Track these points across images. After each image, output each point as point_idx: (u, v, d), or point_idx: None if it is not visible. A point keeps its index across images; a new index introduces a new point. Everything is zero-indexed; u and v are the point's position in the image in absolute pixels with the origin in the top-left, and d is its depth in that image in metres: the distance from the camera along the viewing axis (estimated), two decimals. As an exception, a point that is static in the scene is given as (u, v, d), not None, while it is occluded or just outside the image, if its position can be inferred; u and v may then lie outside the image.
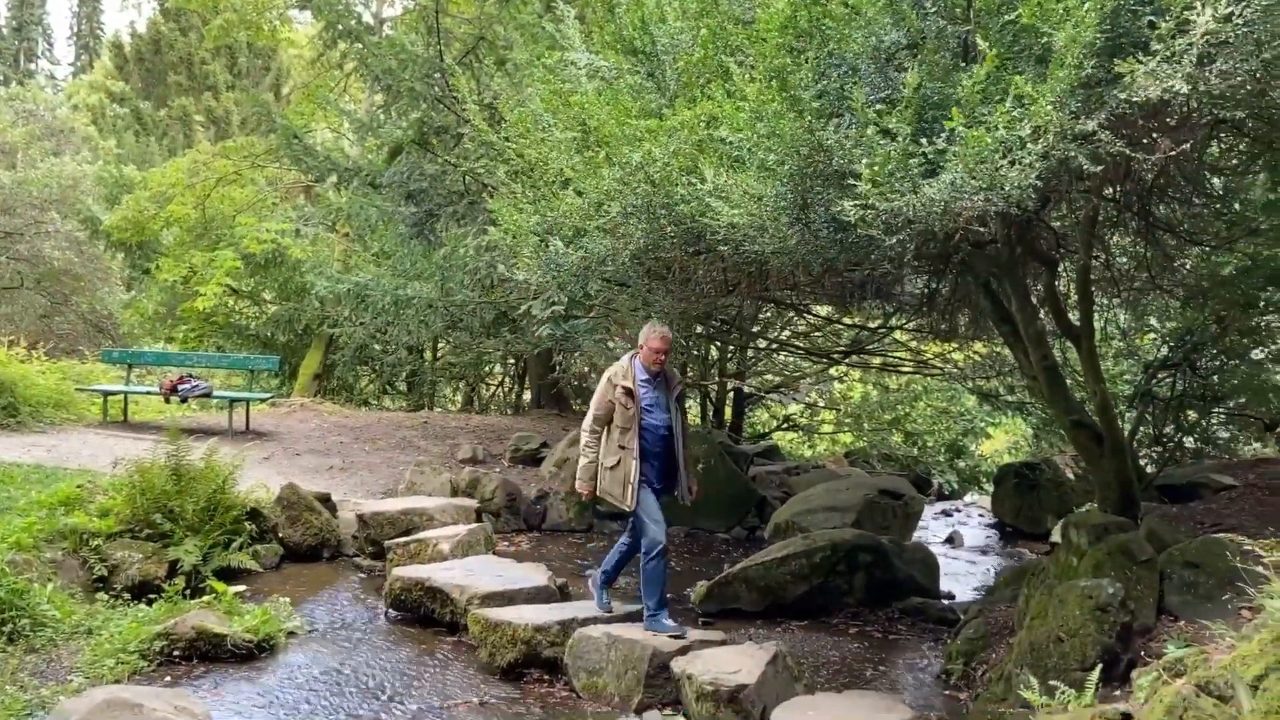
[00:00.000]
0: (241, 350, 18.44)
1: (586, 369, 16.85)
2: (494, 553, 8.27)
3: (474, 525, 8.48)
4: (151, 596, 6.54)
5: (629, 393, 6.14)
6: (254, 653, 5.95)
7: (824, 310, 12.00)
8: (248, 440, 11.85)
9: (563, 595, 7.01)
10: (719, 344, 15.02)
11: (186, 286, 18.70)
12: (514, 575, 7.10)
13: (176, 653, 5.79)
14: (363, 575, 7.99)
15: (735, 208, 5.06)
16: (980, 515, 14.17)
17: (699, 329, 11.12)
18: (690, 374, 14.57)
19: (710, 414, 16.68)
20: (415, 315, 11.39)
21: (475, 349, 15.22)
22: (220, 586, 6.56)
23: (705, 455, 10.83)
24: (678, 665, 5.47)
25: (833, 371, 16.67)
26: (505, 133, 7.14)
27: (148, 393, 13.85)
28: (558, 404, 16.81)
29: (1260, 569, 3.59)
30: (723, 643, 6.04)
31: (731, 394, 16.78)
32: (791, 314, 12.71)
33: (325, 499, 8.81)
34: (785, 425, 19.48)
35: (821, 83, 4.84)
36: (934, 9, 4.82)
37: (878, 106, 4.57)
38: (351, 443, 12.86)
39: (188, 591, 6.65)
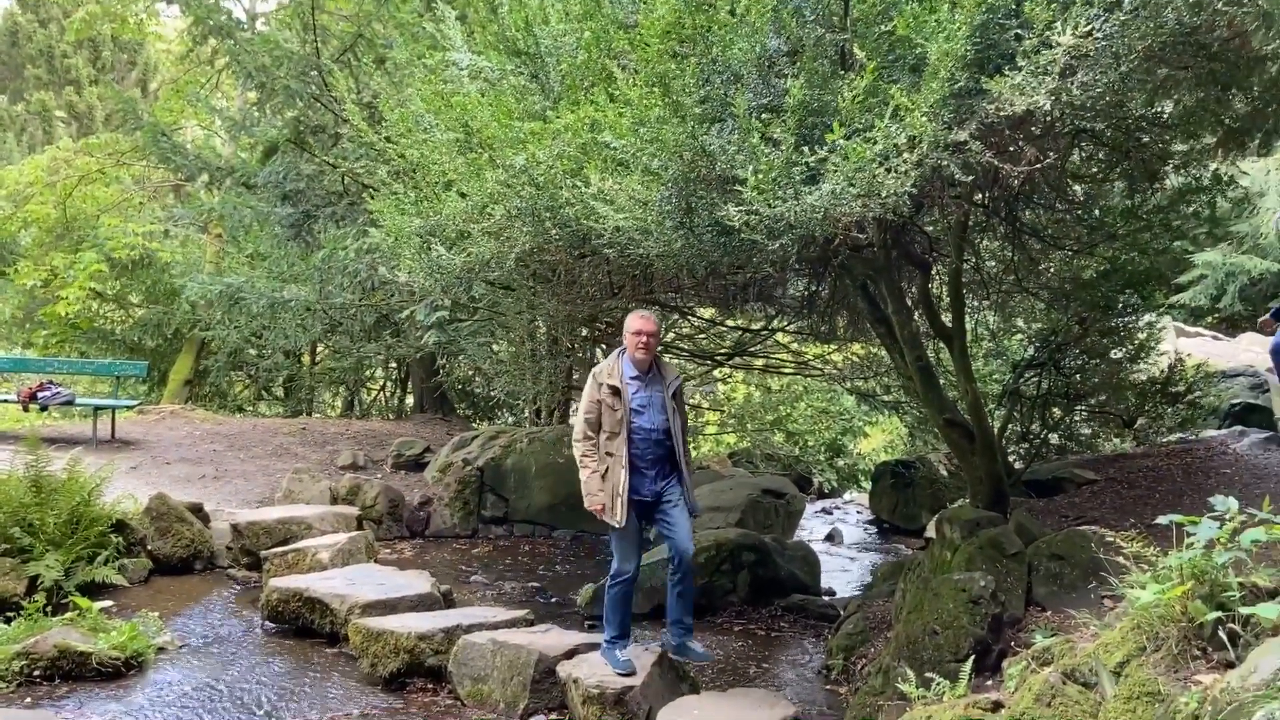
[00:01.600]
0: (107, 355, 17.63)
1: (471, 373, 16.68)
2: (376, 561, 8.10)
3: (355, 533, 8.29)
4: (10, 614, 6.20)
5: (615, 391, 5.50)
6: (121, 670, 5.70)
7: (708, 313, 12.12)
8: (114, 449, 11.36)
9: (447, 602, 6.90)
10: (604, 347, 15.02)
11: (47, 290, 17.79)
12: (397, 583, 6.96)
13: (37, 673, 5.51)
14: (238, 587, 7.73)
15: (620, 211, 5.07)
16: (859, 512, 14.52)
17: (584, 332, 11.11)
18: (577, 377, 14.54)
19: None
20: (292, 319, 11.10)
21: (356, 353, 14.91)
22: (84, 602, 6.27)
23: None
24: (564, 669, 5.45)
25: (717, 373, 16.83)
26: (386, 133, 7.00)
27: (4, 401, 13.15)
28: (441, 409, 16.57)
29: (1121, 559, 3.76)
30: (610, 645, 6.04)
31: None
32: (676, 316, 12.79)
33: (197, 509, 8.51)
34: (670, 426, 19.55)
35: (705, 89, 4.88)
36: (813, 17, 4.92)
37: (762, 115, 4.64)
38: (225, 450, 12.42)
39: (49, 608, 6.32)
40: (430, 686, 5.84)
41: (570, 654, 5.63)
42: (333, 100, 11.45)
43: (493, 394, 15.92)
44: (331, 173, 12.26)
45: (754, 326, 12.15)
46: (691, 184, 5.02)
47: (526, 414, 14.76)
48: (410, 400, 18.58)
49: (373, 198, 7.94)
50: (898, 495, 12.92)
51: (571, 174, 5.37)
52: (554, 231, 5.85)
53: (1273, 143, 7.64)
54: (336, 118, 11.74)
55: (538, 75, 6.18)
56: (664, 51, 4.78)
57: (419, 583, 7.01)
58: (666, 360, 5.84)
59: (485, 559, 9.46)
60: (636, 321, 5.62)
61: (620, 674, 5.27)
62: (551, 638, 5.88)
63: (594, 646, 5.67)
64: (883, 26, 4.66)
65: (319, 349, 18.40)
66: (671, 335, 14.39)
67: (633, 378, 5.58)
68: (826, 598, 8.48)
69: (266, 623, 6.78)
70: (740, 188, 4.57)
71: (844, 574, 9.93)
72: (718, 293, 8.34)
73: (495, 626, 6.12)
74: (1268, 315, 5.63)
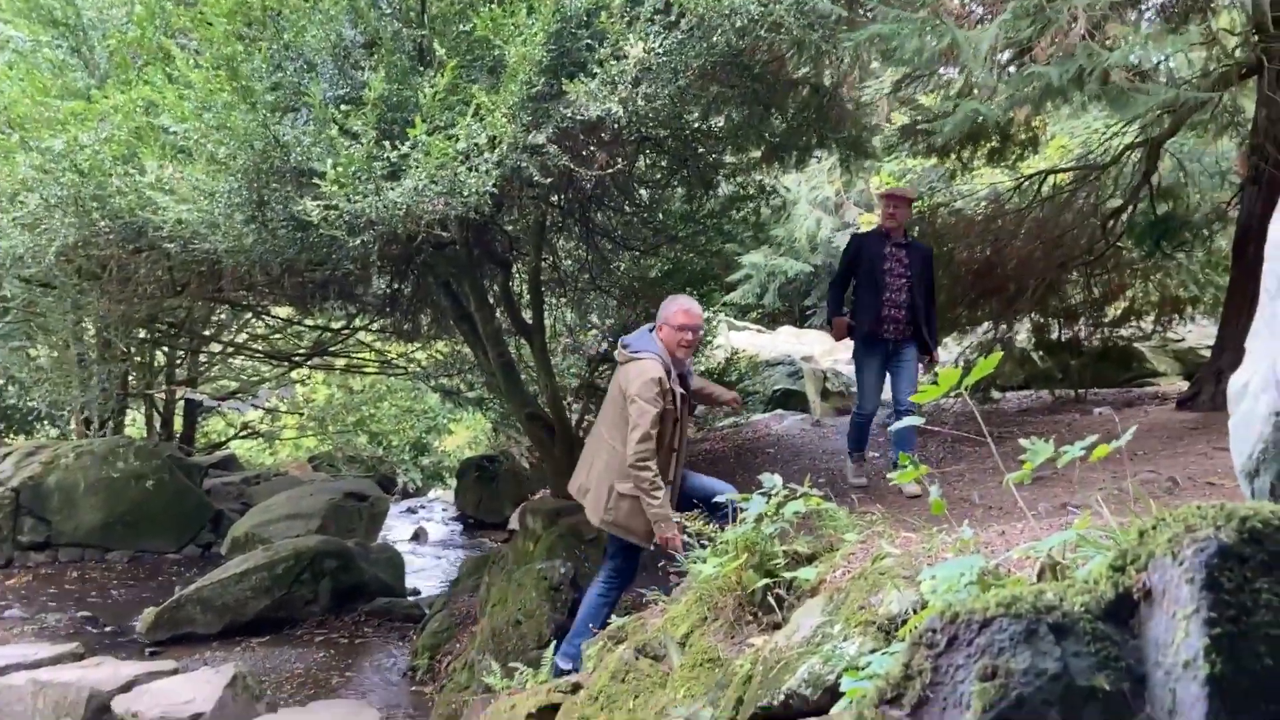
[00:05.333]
0: None
1: (2, 381, 14.65)
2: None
3: None
4: None
5: (675, 400, 4.64)
6: None
7: (284, 311, 11.54)
8: None
9: (-25, 641, 6.02)
10: (167, 349, 13.84)
11: None
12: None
13: None
14: None
15: (183, 202, 4.67)
16: (444, 510, 14.57)
17: (142, 333, 10.15)
18: (134, 383, 13.26)
19: (158, 425, 15.31)
20: None
21: None
22: None
23: (153, 471, 9.93)
24: (121, 704, 4.96)
25: (295, 375, 16.09)
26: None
27: None
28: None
29: (686, 537, 4.05)
30: (174, 671, 5.59)
31: (182, 403, 15.56)
32: (249, 315, 12.07)
33: None
34: (244, 433, 18.48)
35: (277, 75, 4.63)
36: (390, 10, 4.84)
37: (341, 106, 4.48)
38: None
39: None
40: (-45, 741, 5.07)
41: (128, 686, 5.13)
42: None
43: (31, 404, 14.10)
44: None
45: (334, 325, 11.76)
46: (264, 175, 4.73)
47: (73, 425, 13.25)
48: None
49: None
50: (482, 490, 13.11)
51: (123, 160, 4.86)
52: (103, 223, 5.25)
53: (806, 158, 8.65)
54: None
55: (79, 49, 5.52)
56: (231, 33, 4.47)
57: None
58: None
59: (24, 590, 8.36)
60: (682, 315, 4.75)
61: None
62: (105, 671, 5.31)
63: (156, 675, 5.20)
64: (462, 26, 4.69)
65: None
66: (244, 336, 13.57)
67: (676, 377, 4.74)
68: (412, 598, 8.42)
69: None
70: (319, 181, 4.39)
71: (430, 573, 9.91)
72: (295, 290, 7.96)
73: (36, 665, 5.43)
74: (844, 317, 6.36)
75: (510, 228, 7.72)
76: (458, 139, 4.32)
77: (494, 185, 4.49)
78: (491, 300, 7.78)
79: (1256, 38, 6.34)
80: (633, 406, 4.56)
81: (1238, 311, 7.32)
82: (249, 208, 4.83)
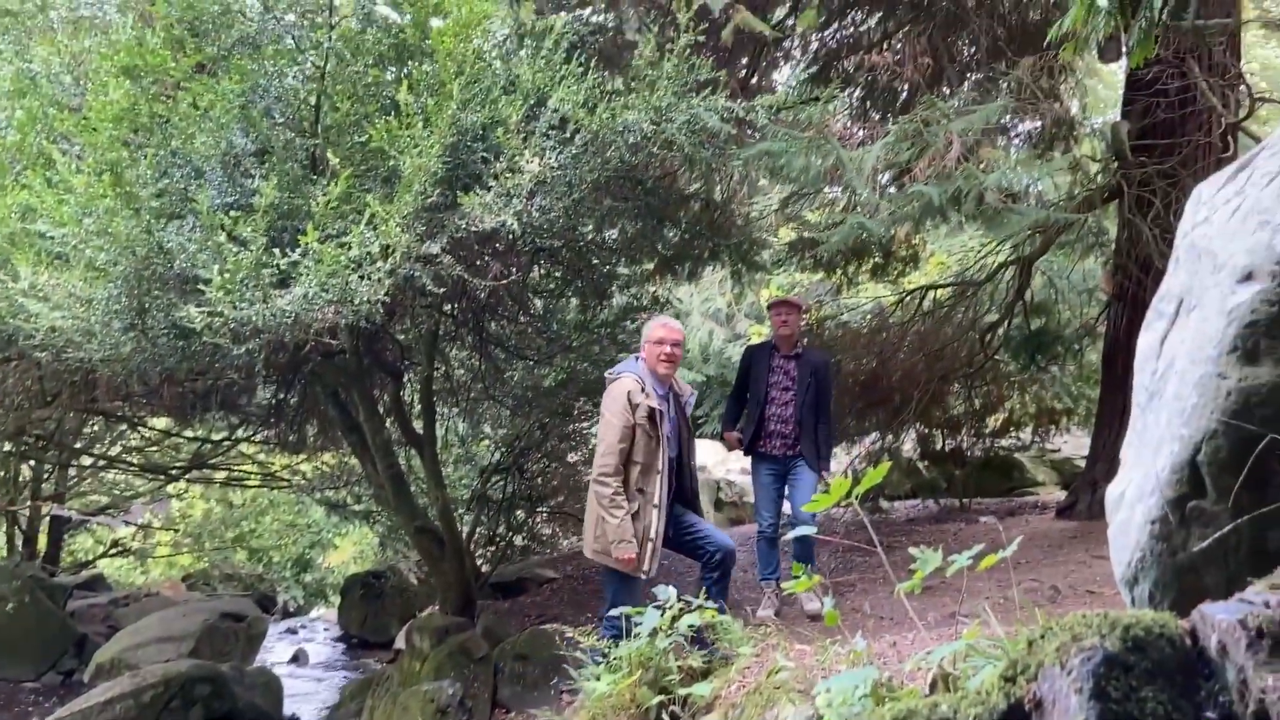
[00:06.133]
0: None
1: None
2: None
3: None
4: None
5: (652, 416, 4.56)
6: None
7: (162, 422, 11.12)
8: None
9: None
10: (33, 462, 13.15)
11: None
12: None
13: None
14: None
15: (57, 310, 4.49)
16: (327, 629, 13.99)
17: (8, 446, 9.66)
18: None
19: (20, 544, 14.44)
20: None
21: None
22: None
23: (13, 594, 9.35)
24: None
25: (171, 489, 15.43)
26: None
27: None
28: None
29: (579, 654, 3.95)
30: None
31: (48, 519, 14.74)
32: (124, 427, 11.60)
33: None
34: (114, 551, 17.55)
35: (163, 181, 4.55)
36: (282, 120, 4.83)
37: (230, 213, 4.41)
38: None
39: None
40: None
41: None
42: None
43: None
44: None
45: (215, 437, 11.38)
46: (146, 282, 4.60)
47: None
48: None
49: None
50: (368, 607, 12.64)
51: (-5, 266, 4.67)
52: (-31, 331, 5.02)
53: (698, 270, 8.83)
54: None
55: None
56: (116, 138, 4.38)
57: None
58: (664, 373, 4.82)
59: None
60: (659, 329, 4.76)
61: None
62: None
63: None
64: (356, 136, 4.70)
65: None
66: (118, 448, 13.00)
67: (660, 398, 4.69)
68: (291, 723, 8.00)
69: None
70: (203, 288, 4.28)
71: (311, 697, 9.44)
72: (174, 401, 7.70)
73: None
74: (734, 431, 6.29)
75: (402, 336, 7.64)
76: (350, 247, 4.28)
77: (386, 294, 4.45)
78: (381, 410, 7.65)
79: (1116, 164, 6.76)
80: (600, 424, 4.58)
81: (1109, 423, 7.64)
82: (128, 315, 4.67)
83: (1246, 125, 6.60)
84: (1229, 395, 1.71)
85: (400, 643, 8.32)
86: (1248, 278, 1.71)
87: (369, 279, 4.35)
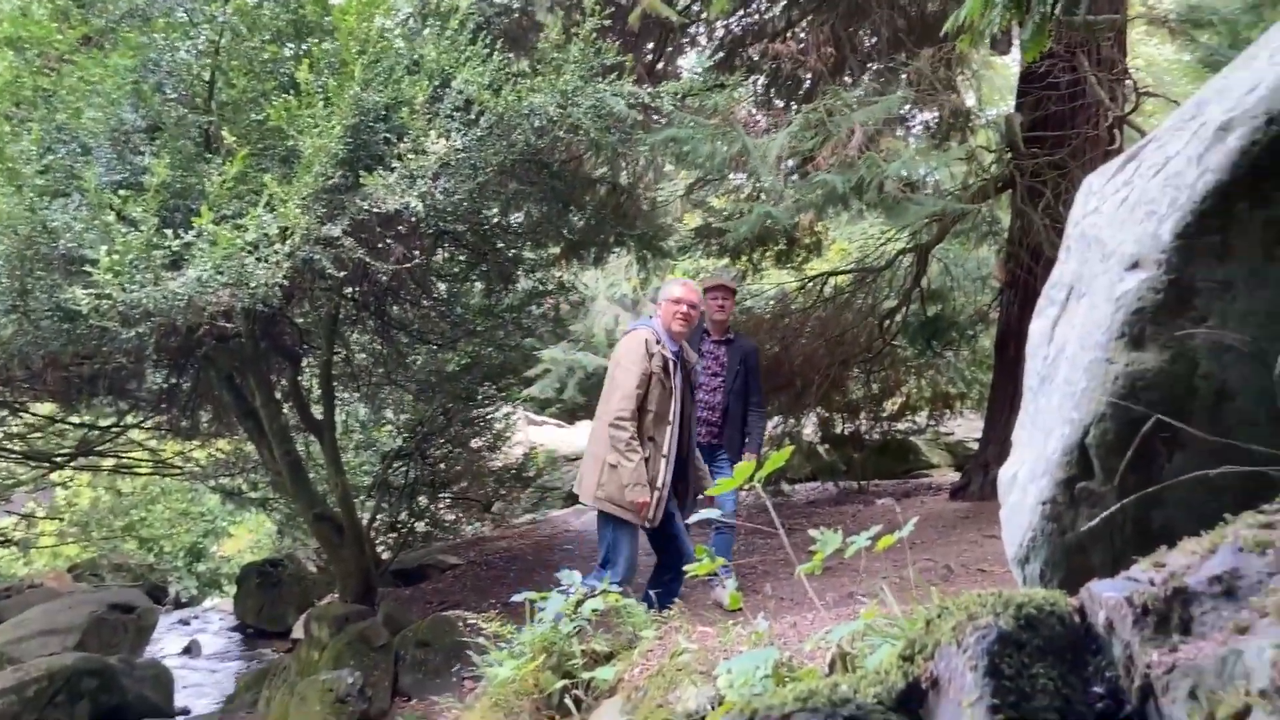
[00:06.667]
0: None
1: None
2: None
3: None
4: None
5: (666, 367, 4.66)
6: None
7: (46, 408, 10.68)
8: None
9: None
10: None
11: None
12: None
13: None
14: None
15: (-69, 288, 4.29)
16: (221, 619, 13.63)
17: None
18: None
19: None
20: None
21: None
22: None
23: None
24: None
25: (55, 477, 14.84)
26: None
27: None
28: None
29: (482, 640, 3.92)
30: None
31: (-80, 506, 14.06)
32: (4, 413, 11.11)
33: None
34: (-5, 541, 16.84)
35: (48, 157, 4.36)
36: (175, 95, 4.67)
37: (119, 191, 4.25)
38: None
39: None
40: None
41: None
42: None
43: None
44: None
45: (103, 423, 10.97)
46: (29, 262, 4.41)
47: None
48: None
49: None
50: (264, 597, 12.34)
51: None
52: None
53: (604, 256, 8.82)
54: None
55: None
56: (-3, 111, 4.19)
57: None
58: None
59: None
60: (679, 288, 4.84)
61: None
62: None
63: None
64: (253, 114, 4.57)
65: None
66: (0, 434, 12.46)
67: (674, 353, 4.76)
68: (181, 717, 7.79)
69: None
70: (91, 269, 4.12)
71: (204, 689, 9.19)
72: (59, 385, 7.40)
73: None
74: None
75: (301, 320, 7.47)
76: (247, 229, 4.16)
77: (284, 277, 4.35)
78: (279, 395, 7.47)
79: (1010, 155, 6.96)
80: (617, 370, 4.67)
81: (1001, 407, 7.88)
82: (9, 296, 4.48)
83: (1132, 119, 6.85)
84: (1117, 379, 1.77)
85: (298, 632, 8.18)
86: (1135, 266, 1.78)
87: (266, 261, 4.24)
